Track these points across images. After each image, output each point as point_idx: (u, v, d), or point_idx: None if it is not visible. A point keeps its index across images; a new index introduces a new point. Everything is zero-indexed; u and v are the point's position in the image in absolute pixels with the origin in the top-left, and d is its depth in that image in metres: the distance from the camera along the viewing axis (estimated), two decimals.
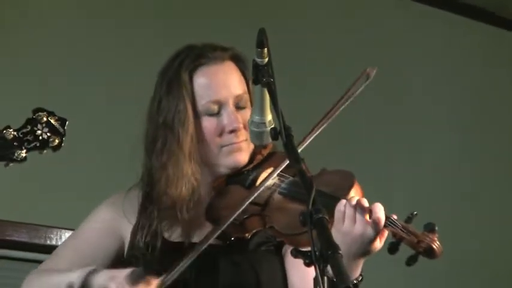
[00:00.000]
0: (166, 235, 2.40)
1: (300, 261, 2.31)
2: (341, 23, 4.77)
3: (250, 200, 2.30)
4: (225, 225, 2.28)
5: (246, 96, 2.46)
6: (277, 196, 2.36)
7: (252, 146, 2.47)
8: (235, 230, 2.33)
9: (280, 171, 2.37)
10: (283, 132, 2.02)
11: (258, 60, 2.15)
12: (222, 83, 2.43)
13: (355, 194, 2.26)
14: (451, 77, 5.01)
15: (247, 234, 2.34)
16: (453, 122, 4.99)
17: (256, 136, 2.27)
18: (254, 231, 2.35)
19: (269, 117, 2.26)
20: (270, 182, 2.37)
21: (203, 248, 2.26)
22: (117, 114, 3.92)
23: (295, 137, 2.02)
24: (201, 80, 2.43)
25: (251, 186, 2.42)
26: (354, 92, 2.37)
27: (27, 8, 4.03)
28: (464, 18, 5.02)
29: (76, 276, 2.25)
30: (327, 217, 1.85)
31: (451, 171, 4.91)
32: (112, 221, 2.45)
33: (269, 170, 2.43)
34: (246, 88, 2.47)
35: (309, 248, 1.77)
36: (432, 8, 4.96)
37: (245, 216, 2.33)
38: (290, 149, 2.01)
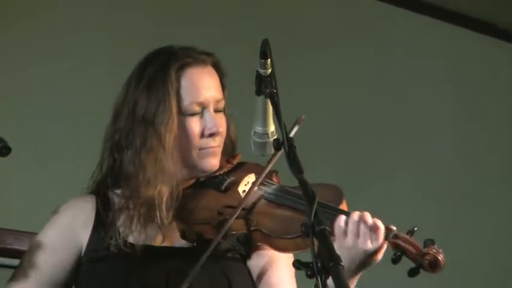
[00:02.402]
0: (130, 238, 2.36)
1: (271, 280, 2.36)
2: (340, 34, 4.76)
3: (243, 205, 2.29)
4: (226, 228, 2.27)
5: (223, 101, 2.45)
6: (262, 201, 2.34)
7: (220, 154, 2.46)
8: (209, 231, 2.30)
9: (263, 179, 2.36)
10: (285, 143, 2.03)
11: (261, 71, 2.15)
12: (206, 85, 2.42)
13: (346, 206, 2.26)
14: (451, 89, 5.01)
15: (220, 237, 2.31)
16: (453, 134, 4.98)
17: (259, 146, 2.27)
18: (232, 233, 2.32)
19: (272, 127, 2.27)
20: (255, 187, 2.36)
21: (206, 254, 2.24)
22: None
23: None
24: (187, 80, 2.41)
25: (227, 190, 2.40)
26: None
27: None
28: (465, 29, 5.03)
29: None
30: (328, 228, 1.86)
31: (450, 184, 4.90)
32: (67, 232, 2.41)
33: (250, 176, 2.42)
34: (222, 94, 2.47)
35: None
36: (432, 19, 4.96)
37: (224, 218, 2.30)
38: (292, 159, 2.01)
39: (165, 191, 2.37)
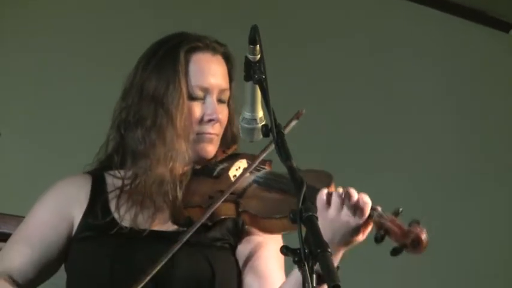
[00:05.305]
0: (116, 215, 2.38)
1: (259, 267, 2.36)
2: (333, 24, 4.76)
3: (232, 188, 2.30)
4: (213, 208, 2.28)
5: (228, 92, 2.47)
6: (253, 186, 2.36)
7: (218, 144, 2.47)
8: (200, 214, 2.31)
9: (255, 166, 2.38)
10: (274, 129, 2.04)
11: (250, 56, 2.16)
12: (213, 72, 2.45)
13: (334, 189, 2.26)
14: (443, 78, 5.00)
15: (210, 222, 2.33)
16: (447, 127, 4.97)
17: (247, 132, 2.28)
18: (222, 217, 2.34)
19: (260, 113, 2.27)
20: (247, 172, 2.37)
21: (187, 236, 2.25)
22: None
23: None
24: (194, 63, 2.44)
25: (219, 176, 2.42)
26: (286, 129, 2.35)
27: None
28: (459, 18, 5.02)
29: None
30: (316, 215, 1.86)
31: (447, 179, 4.89)
32: (61, 206, 2.42)
33: (241, 161, 2.44)
34: (229, 85, 2.48)
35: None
36: (428, 8, 4.95)
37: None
38: (281, 146, 2.03)
39: (179, 168, 2.40)
